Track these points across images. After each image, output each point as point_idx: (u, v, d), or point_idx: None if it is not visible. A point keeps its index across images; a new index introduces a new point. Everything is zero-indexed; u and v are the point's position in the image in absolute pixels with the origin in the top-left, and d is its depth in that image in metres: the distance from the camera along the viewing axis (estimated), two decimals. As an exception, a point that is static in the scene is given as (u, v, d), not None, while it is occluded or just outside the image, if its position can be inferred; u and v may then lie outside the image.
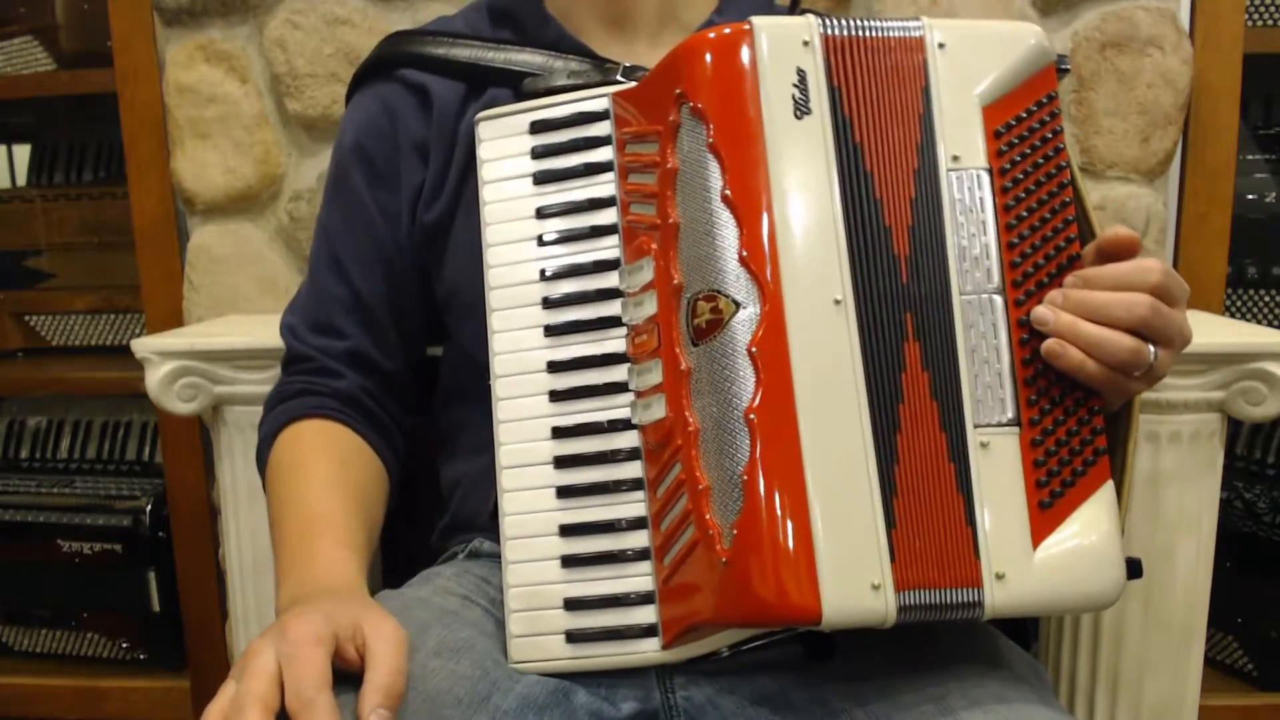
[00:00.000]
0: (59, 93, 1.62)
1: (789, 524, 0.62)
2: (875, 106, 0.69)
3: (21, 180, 1.86)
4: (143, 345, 1.20)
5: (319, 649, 0.61)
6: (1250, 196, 1.51)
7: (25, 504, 1.60)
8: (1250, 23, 1.44)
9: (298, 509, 0.82)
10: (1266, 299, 1.53)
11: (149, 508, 1.55)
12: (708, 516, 0.65)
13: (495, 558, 0.84)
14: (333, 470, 0.84)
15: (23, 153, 1.84)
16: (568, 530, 0.73)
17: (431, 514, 0.97)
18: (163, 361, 1.19)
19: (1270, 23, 1.47)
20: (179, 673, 1.60)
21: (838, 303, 0.66)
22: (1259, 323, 1.52)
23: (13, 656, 1.67)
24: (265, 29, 1.38)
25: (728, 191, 0.67)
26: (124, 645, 1.63)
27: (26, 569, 1.60)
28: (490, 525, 0.79)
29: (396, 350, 0.93)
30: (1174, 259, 1.41)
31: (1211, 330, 1.17)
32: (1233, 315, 1.52)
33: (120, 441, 1.72)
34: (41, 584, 1.60)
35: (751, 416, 0.64)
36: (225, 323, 1.37)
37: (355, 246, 0.91)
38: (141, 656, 1.63)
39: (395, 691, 0.61)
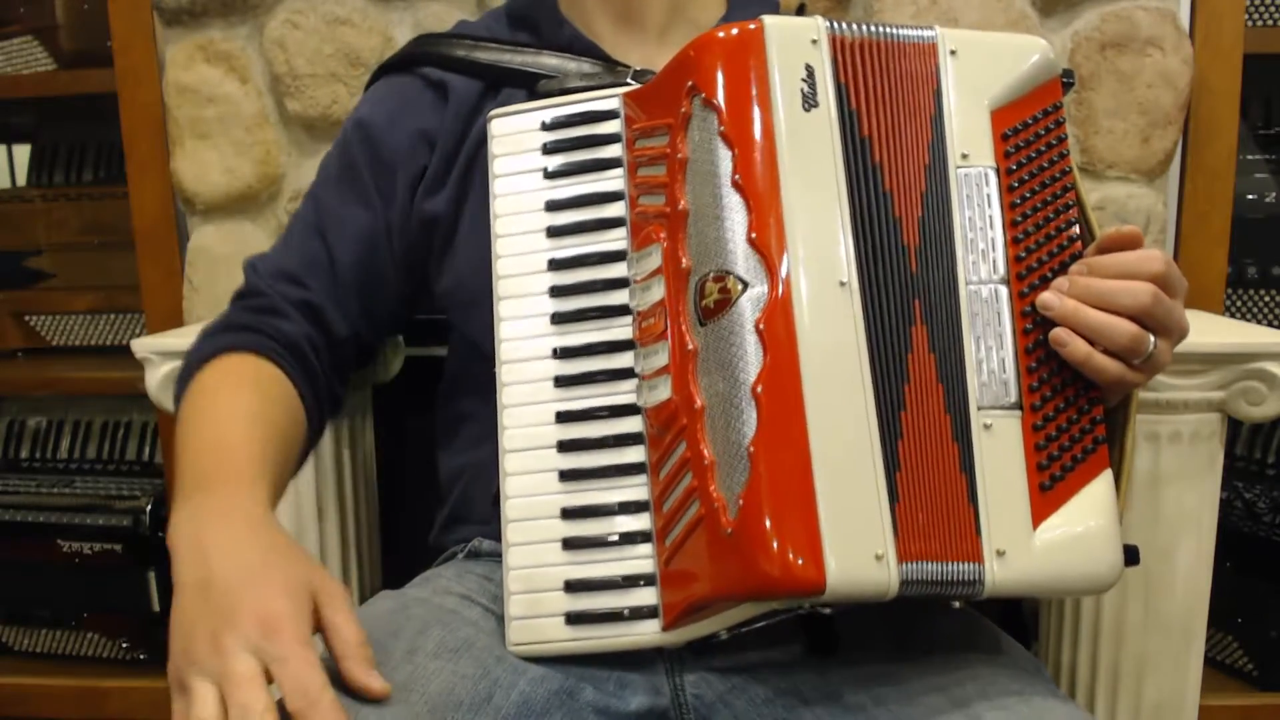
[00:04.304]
0: (59, 93, 1.62)
1: (795, 494, 0.64)
2: (885, 104, 0.72)
3: (21, 180, 1.86)
4: (143, 345, 1.20)
5: (310, 650, 0.60)
6: (1250, 196, 1.51)
7: (25, 504, 1.60)
8: (1250, 23, 1.44)
9: (214, 429, 0.78)
10: (1266, 299, 1.53)
11: (149, 508, 1.55)
12: (712, 490, 0.66)
13: (495, 557, 0.84)
14: (256, 404, 0.81)
15: (23, 153, 1.84)
16: (569, 513, 0.74)
17: (431, 512, 0.97)
18: (163, 361, 1.19)
19: (1270, 23, 1.47)
20: (179, 673, 1.60)
21: (843, 284, 0.68)
22: (1259, 323, 1.52)
23: (13, 656, 1.67)
24: (265, 29, 1.38)
25: (738, 177, 0.69)
26: (124, 645, 1.63)
27: (26, 569, 1.60)
28: (491, 517, 0.79)
29: (354, 319, 0.91)
30: (1174, 259, 1.41)
31: (1211, 330, 1.17)
32: (1233, 315, 1.52)
33: (120, 441, 1.72)
34: (41, 584, 1.60)
35: (758, 390, 0.65)
36: (225, 323, 1.37)
37: (342, 218, 0.91)
38: (141, 656, 1.63)
39: (367, 653, 0.64)
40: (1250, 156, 1.51)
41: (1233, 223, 1.40)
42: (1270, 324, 1.52)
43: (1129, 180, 1.35)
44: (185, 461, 0.76)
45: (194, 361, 0.86)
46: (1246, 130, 1.50)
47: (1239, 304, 1.53)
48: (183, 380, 0.86)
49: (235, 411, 0.80)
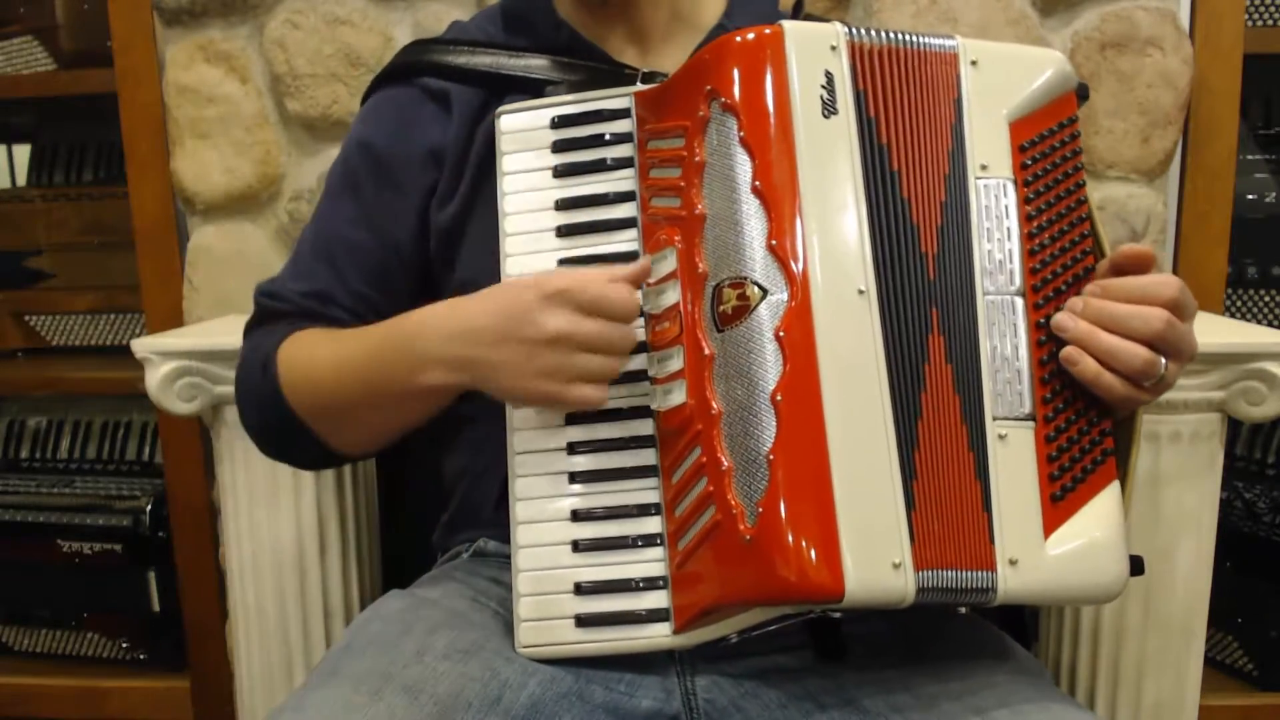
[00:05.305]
0: (59, 93, 1.62)
1: (814, 502, 0.64)
2: (905, 112, 0.72)
3: (21, 180, 1.86)
4: (143, 345, 1.20)
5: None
6: (1250, 196, 1.51)
7: (25, 504, 1.60)
8: (1250, 23, 1.44)
9: (342, 348, 0.82)
10: (1266, 299, 1.53)
11: (149, 508, 1.55)
12: (730, 497, 0.66)
13: (502, 558, 0.84)
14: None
15: (23, 153, 1.84)
16: (579, 515, 0.74)
17: (433, 512, 0.96)
18: (163, 361, 1.19)
19: (1270, 23, 1.47)
20: (179, 673, 1.60)
21: (861, 293, 0.68)
22: (1259, 323, 1.52)
23: (13, 656, 1.67)
24: (265, 29, 1.38)
25: (757, 183, 0.69)
26: (124, 645, 1.63)
27: (26, 569, 1.60)
28: (495, 519, 0.79)
29: None
30: (1174, 259, 1.41)
31: (1211, 330, 1.17)
32: (1233, 315, 1.52)
33: (120, 441, 1.72)
34: (41, 584, 1.60)
35: (778, 398, 0.66)
36: (225, 323, 1.37)
37: (351, 240, 0.90)
38: (141, 656, 1.63)
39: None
40: (1250, 156, 1.51)
41: (1233, 223, 1.40)
42: (1270, 324, 1.52)
43: (1129, 180, 1.35)
44: (358, 358, 0.80)
45: (264, 353, 0.85)
46: (1246, 130, 1.50)
47: (1239, 304, 1.53)
48: (251, 369, 0.86)
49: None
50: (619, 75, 0.86)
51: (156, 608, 1.58)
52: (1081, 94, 0.76)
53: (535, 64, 0.89)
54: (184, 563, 1.56)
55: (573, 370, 0.71)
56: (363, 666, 0.70)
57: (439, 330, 0.75)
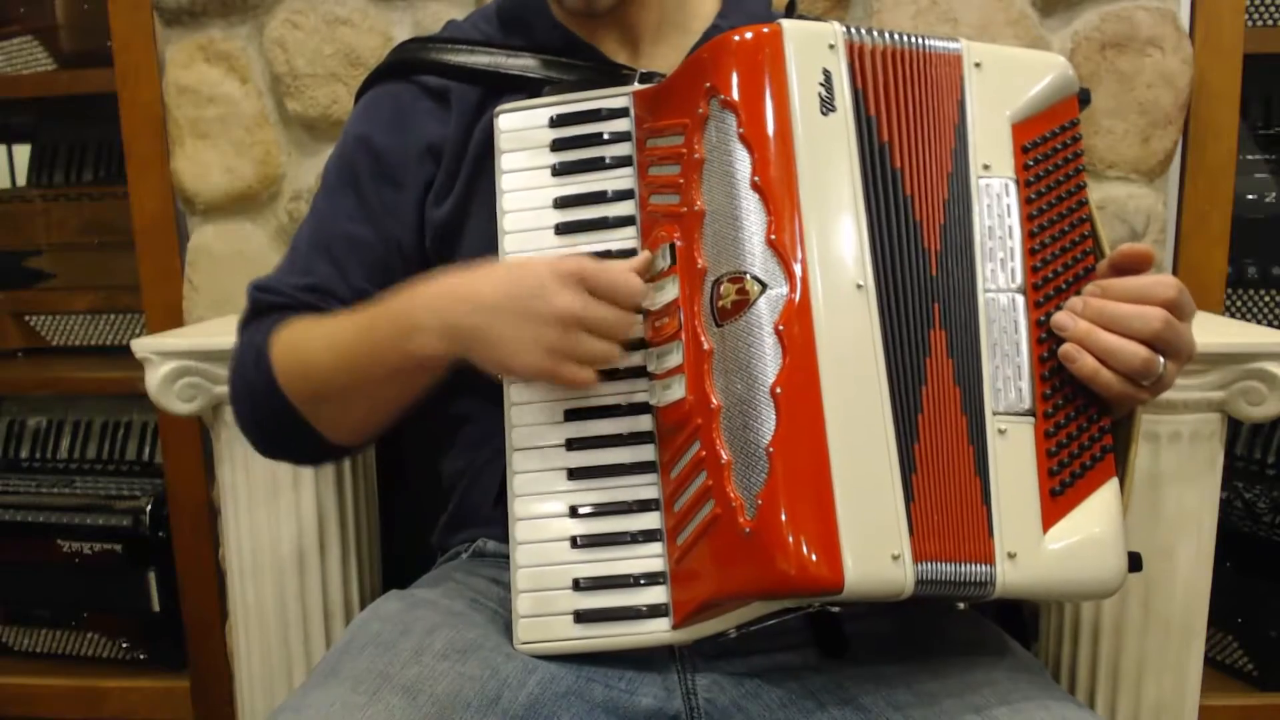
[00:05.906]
0: (59, 93, 1.63)
1: (813, 494, 0.64)
2: (907, 112, 0.73)
3: (21, 180, 1.86)
4: (143, 345, 1.20)
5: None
6: (1250, 196, 1.51)
7: (25, 504, 1.60)
8: (1250, 23, 1.44)
9: (337, 330, 0.81)
10: (1266, 299, 1.53)
11: (149, 508, 1.56)
12: (729, 490, 0.67)
13: (501, 558, 0.84)
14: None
15: (23, 153, 1.84)
16: (578, 511, 0.75)
17: (432, 512, 0.97)
18: (163, 361, 1.19)
19: (1270, 23, 1.47)
20: (179, 673, 1.60)
21: (860, 287, 0.68)
22: (1259, 323, 1.52)
23: (13, 656, 1.67)
24: (265, 29, 1.38)
25: (757, 178, 0.69)
26: (124, 645, 1.63)
27: (26, 569, 1.60)
28: (494, 518, 0.78)
29: None
30: (1174, 259, 1.41)
31: (1211, 330, 1.17)
32: (1233, 315, 1.52)
33: (120, 441, 1.72)
34: (41, 584, 1.60)
35: (777, 391, 0.66)
36: (225, 323, 1.37)
37: (352, 235, 0.89)
38: (141, 656, 1.63)
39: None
40: (1250, 156, 1.51)
41: (1233, 223, 1.41)
42: (1270, 324, 1.52)
43: (1129, 180, 1.35)
44: (344, 340, 0.80)
45: (256, 346, 0.85)
46: (1246, 130, 1.51)
47: (1239, 304, 1.53)
48: (244, 364, 0.85)
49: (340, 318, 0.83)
50: (616, 75, 0.86)
51: (156, 608, 1.58)
52: (1084, 99, 0.77)
53: (533, 63, 0.89)
54: (184, 563, 1.56)
55: (574, 350, 0.71)
56: (361, 666, 0.70)
57: (435, 296, 0.75)
